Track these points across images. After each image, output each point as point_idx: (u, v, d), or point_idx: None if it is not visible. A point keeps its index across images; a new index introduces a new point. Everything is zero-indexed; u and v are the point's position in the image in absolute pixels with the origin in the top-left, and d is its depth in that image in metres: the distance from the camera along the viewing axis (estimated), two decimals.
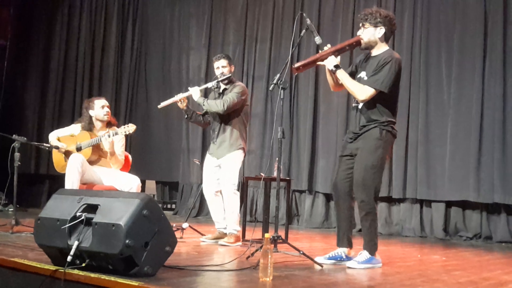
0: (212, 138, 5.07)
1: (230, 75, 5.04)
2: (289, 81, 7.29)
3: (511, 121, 6.39)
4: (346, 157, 4.00)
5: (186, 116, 5.14)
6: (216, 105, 4.89)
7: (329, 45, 4.00)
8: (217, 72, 5.06)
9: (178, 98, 4.98)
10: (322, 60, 3.95)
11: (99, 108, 5.11)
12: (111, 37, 9.21)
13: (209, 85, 5.12)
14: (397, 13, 7.11)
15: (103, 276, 2.86)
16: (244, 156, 5.09)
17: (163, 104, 5.08)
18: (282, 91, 4.03)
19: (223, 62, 5.03)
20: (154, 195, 9.06)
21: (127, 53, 9.34)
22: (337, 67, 3.92)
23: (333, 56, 3.92)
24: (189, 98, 5.04)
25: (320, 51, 4.01)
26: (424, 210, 6.92)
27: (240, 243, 4.90)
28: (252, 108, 7.53)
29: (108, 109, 5.13)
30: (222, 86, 5.06)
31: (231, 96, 4.90)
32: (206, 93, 5.24)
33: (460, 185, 6.58)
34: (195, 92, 4.97)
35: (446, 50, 6.83)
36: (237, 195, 4.93)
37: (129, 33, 9.38)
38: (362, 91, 3.84)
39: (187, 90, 5.07)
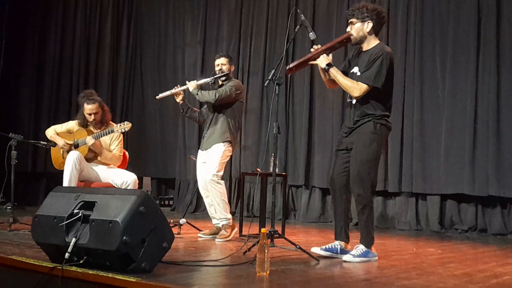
0: (204, 133, 5.18)
1: (228, 72, 5.15)
2: (284, 76, 7.27)
3: (505, 114, 6.41)
4: (342, 151, 4.03)
5: (182, 110, 5.28)
6: (208, 95, 5.01)
7: (319, 45, 4.02)
8: (217, 69, 5.18)
9: (176, 90, 5.13)
10: (314, 60, 3.99)
11: (87, 114, 5.09)
12: (106, 34, 9.18)
13: (207, 80, 5.22)
14: (391, 8, 7.13)
15: (101, 273, 2.88)
16: (232, 151, 5.14)
17: (161, 95, 5.24)
18: (277, 86, 4.06)
19: (223, 60, 5.17)
20: (149, 192, 9.06)
21: (123, 50, 9.33)
22: (329, 65, 3.95)
23: (324, 55, 3.96)
24: (185, 92, 5.21)
25: (313, 48, 4.03)
26: (420, 204, 6.94)
27: (236, 229, 4.97)
28: (247, 104, 7.53)
29: (94, 117, 5.07)
30: (219, 83, 5.16)
31: (224, 88, 5.02)
32: (204, 89, 5.33)
33: (455, 179, 6.61)
34: (191, 85, 5.11)
35: (440, 45, 6.84)
36: (221, 184, 4.95)
37: (124, 30, 9.35)
38: (355, 88, 3.87)
39: (185, 84, 5.19)
